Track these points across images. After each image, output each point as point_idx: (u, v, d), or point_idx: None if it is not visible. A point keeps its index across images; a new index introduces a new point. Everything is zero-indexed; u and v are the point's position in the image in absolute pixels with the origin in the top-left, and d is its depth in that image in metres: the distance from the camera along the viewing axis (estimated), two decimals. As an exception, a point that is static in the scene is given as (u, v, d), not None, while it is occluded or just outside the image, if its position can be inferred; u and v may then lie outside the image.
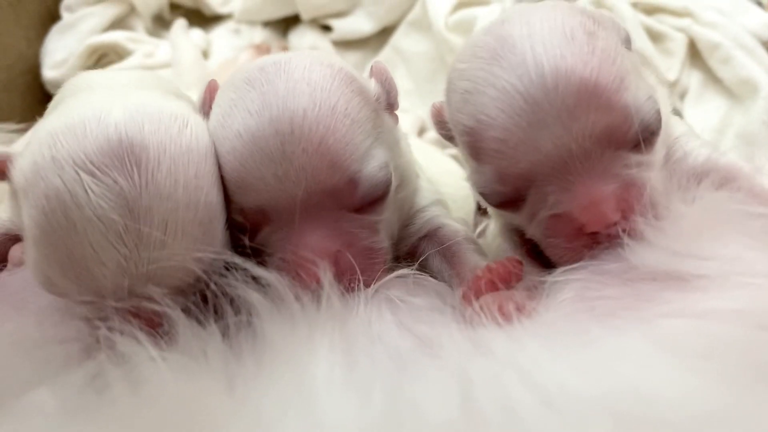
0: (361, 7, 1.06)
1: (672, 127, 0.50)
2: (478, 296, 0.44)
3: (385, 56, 1.04)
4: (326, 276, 0.42)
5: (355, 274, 0.44)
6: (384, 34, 1.06)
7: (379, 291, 0.45)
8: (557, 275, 0.45)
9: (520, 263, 0.47)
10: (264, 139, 0.41)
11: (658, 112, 0.43)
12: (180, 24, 1.09)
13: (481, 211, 0.74)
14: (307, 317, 0.41)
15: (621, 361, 0.34)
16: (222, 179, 0.43)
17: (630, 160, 0.42)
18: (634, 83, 0.41)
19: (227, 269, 0.43)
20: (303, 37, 1.10)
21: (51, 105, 0.52)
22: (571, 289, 0.43)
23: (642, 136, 0.42)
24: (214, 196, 0.42)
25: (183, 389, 0.37)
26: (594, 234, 0.42)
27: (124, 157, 0.38)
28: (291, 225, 0.43)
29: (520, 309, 0.42)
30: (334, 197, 0.43)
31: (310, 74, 0.43)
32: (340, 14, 1.07)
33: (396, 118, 0.51)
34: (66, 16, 1.05)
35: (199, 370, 0.38)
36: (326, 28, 1.10)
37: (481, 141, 0.42)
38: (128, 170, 0.38)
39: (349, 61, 1.05)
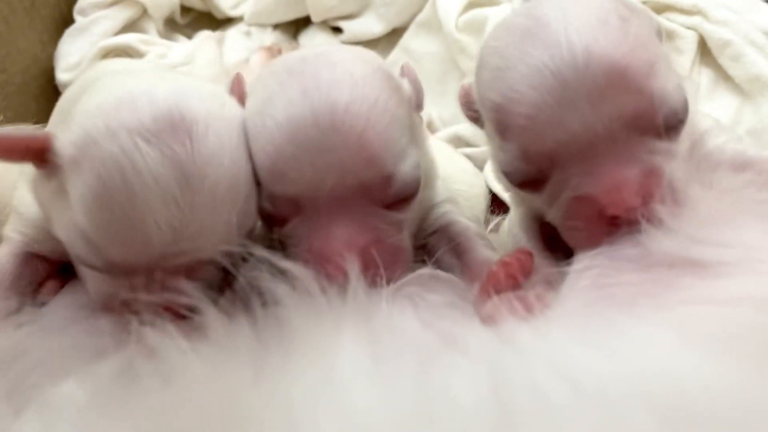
0: (371, 8, 1.07)
1: (698, 120, 0.50)
2: (497, 290, 0.44)
3: (395, 57, 1.04)
4: (353, 270, 0.42)
5: (379, 269, 0.44)
6: (394, 35, 1.06)
7: (400, 288, 0.45)
8: (575, 264, 0.45)
9: (531, 255, 0.47)
10: (303, 129, 0.42)
11: (686, 101, 0.43)
12: (206, 35, 1.10)
13: (492, 209, 0.75)
14: (332, 310, 0.41)
15: (648, 347, 0.34)
16: (256, 167, 0.44)
17: (655, 147, 0.42)
18: (663, 71, 0.42)
19: (254, 261, 0.43)
20: (313, 39, 1.10)
21: (72, 91, 0.52)
22: (589, 276, 0.43)
23: (668, 123, 0.42)
24: (250, 172, 0.44)
25: (214, 381, 0.38)
26: (614, 218, 0.42)
27: (177, 126, 0.40)
28: (321, 217, 0.44)
29: (540, 301, 0.42)
30: (367, 192, 0.44)
31: (353, 68, 0.44)
32: (350, 16, 1.07)
33: (421, 118, 0.52)
34: (79, 19, 1.06)
35: (229, 362, 0.39)
36: (336, 30, 1.10)
37: (509, 117, 0.43)
38: (180, 137, 0.40)
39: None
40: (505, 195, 0.85)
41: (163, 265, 0.41)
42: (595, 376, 0.33)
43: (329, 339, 0.39)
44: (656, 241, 0.42)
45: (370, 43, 1.08)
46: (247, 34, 1.13)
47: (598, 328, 0.38)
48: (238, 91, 0.48)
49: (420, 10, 1.03)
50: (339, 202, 0.43)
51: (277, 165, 0.43)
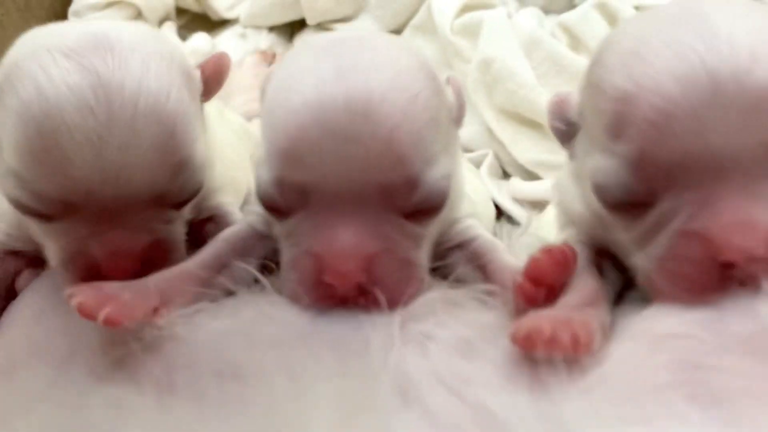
0: (366, 11, 1.08)
1: None
2: (537, 283, 0.39)
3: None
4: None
5: (386, 286, 0.39)
6: (389, 38, 1.08)
7: (408, 326, 0.39)
8: (655, 322, 0.36)
9: (575, 252, 0.41)
10: (333, 112, 0.37)
11: None
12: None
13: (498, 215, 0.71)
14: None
15: None
16: (269, 145, 0.40)
17: None
18: None
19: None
20: (309, 42, 1.11)
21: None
22: (674, 347, 0.34)
23: None
24: (186, 104, 0.42)
25: None
26: (729, 266, 0.34)
27: (100, 44, 0.39)
28: (329, 213, 0.39)
29: (577, 341, 0.35)
30: (388, 195, 0.39)
31: (398, 56, 0.40)
32: (345, 18, 1.08)
33: (458, 135, 0.48)
34: (74, 21, 1.06)
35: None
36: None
37: (635, 109, 0.35)
38: (101, 53, 0.39)
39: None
40: (508, 205, 0.85)
41: (105, 208, 0.40)
42: None
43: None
44: None
45: (366, 46, 1.09)
46: (243, 36, 1.13)
47: (667, 425, 0.30)
48: (211, 70, 0.48)
49: (415, 13, 1.04)
50: (354, 200, 0.39)
51: (295, 146, 0.38)
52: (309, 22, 1.10)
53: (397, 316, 0.39)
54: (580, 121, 0.42)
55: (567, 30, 0.94)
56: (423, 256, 0.43)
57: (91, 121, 0.38)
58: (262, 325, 0.41)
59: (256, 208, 0.47)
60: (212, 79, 0.48)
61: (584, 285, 0.41)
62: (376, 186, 0.38)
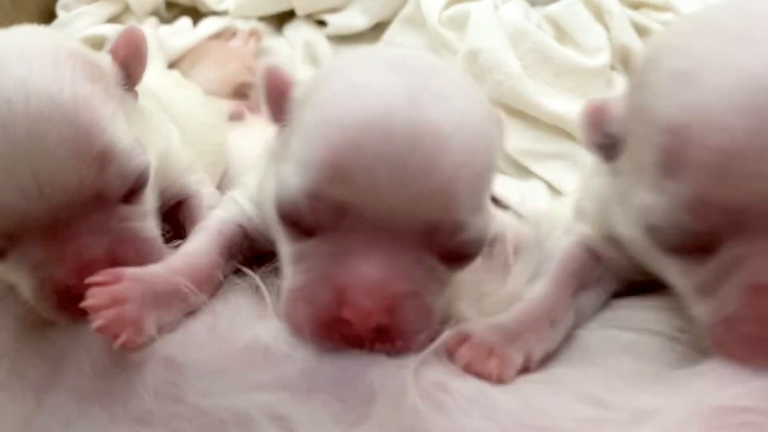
0: (355, 2, 1.08)
1: None
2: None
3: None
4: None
5: (405, 333, 0.36)
6: (378, 29, 1.08)
7: (422, 374, 0.36)
8: (720, 389, 0.32)
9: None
10: (399, 134, 0.33)
11: None
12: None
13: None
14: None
15: None
16: (303, 151, 0.36)
17: None
18: None
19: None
20: (298, 31, 1.12)
21: None
22: (737, 424, 0.31)
23: None
24: (87, 94, 0.39)
25: None
26: None
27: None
28: (359, 241, 0.35)
29: (489, 375, 0.36)
30: (431, 233, 0.35)
31: (467, 88, 0.37)
32: (334, 9, 1.09)
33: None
34: (62, 14, 1.07)
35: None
36: (321, 23, 1.12)
37: (693, 146, 0.30)
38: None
39: (343, 55, 1.09)
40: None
41: (47, 224, 0.38)
42: None
43: None
44: None
45: (355, 37, 1.10)
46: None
47: None
48: (124, 50, 0.45)
49: (404, 5, 1.05)
50: (392, 232, 0.35)
51: (346, 159, 0.34)
52: (298, 12, 1.12)
53: (410, 362, 0.36)
54: (623, 137, 0.36)
55: (553, 22, 0.96)
56: (442, 305, 0.39)
57: (5, 141, 0.36)
58: (256, 357, 0.38)
59: (239, 198, 0.46)
60: (130, 58, 0.45)
61: (544, 299, 0.41)
62: (421, 222, 0.35)
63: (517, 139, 0.89)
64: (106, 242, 0.40)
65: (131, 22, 1.10)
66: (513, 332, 0.39)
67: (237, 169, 0.72)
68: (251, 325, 0.39)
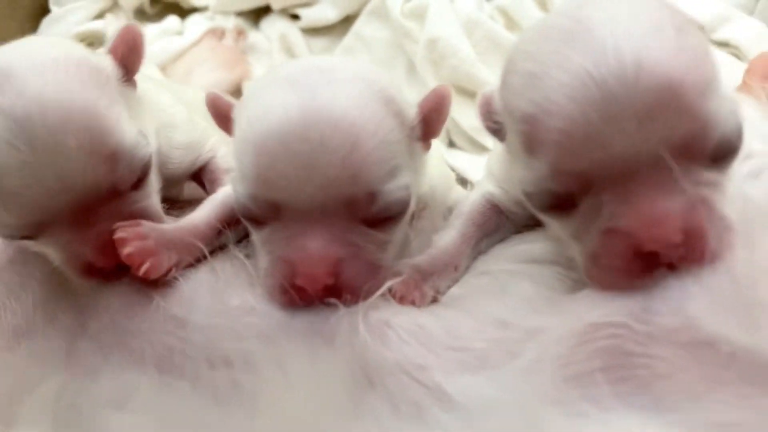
0: (325, -3, 1.17)
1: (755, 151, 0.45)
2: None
3: (348, 43, 1.15)
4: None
5: (352, 287, 0.44)
6: (347, 22, 1.17)
7: (370, 315, 0.44)
8: (585, 309, 0.39)
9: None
10: (295, 143, 0.41)
11: (741, 128, 0.38)
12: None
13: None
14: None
15: None
16: (241, 164, 0.45)
17: (702, 177, 0.37)
18: (718, 92, 0.37)
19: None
20: (273, 25, 1.20)
21: None
22: (604, 336, 0.37)
23: (719, 151, 0.37)
24: (96, 98, 0.43)
25: None
26: (652, 256, 0.37)
27: None
28: (299, 226, 0.44)
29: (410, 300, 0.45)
30: (351, 207, 0.43)
31: (351, 89, 0.43)
32: (307, 4, 1.17)
33: (428, 146, 0.51)
34: (55, 9, 1.15)
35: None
36: (295, 17, 1.20)
37: (541, 131, 0.38)
38: (3, 89, 0.40)
39: (316, 47, 1.18)
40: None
41: (72, 216, 0.44)
42: None
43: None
44: (702, 309, 0.36)
45: (326, 30, 1.19)
46: (211, 19, 1.21)
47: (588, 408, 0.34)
48: (123, 48, 0.49)
49: (370, -1, 1.14)
50: (320, 213, 0.43)
51: (265, 171, 0.43)
52: (273, 7, 1.20)
53: (359, 308, 0.44)
54: (504, 123, 0.44)
55: (504, 13, 1.06)
56: (388, 258, 0.47)
57: (17, 154, 0.40)
58: (247, 315, 0.46)
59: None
60: (129, 54, 0.49)
61: (448, 246, 0.50)
62: (338, 200, 0.43)
63: (471, 118, 0.97)
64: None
65: (119, 18, 1.19)
66: (425, 272, 0.48)
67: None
68: (243, 289, 0.48)
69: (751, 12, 1.02)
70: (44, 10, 1.15)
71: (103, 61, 0.47)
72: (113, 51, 0.49)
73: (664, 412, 0.34)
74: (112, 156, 0.43)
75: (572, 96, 0.36)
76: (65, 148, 0.41)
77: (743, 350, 0.34)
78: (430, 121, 0.48)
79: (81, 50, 0.46)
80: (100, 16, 1.16)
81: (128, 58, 0.49)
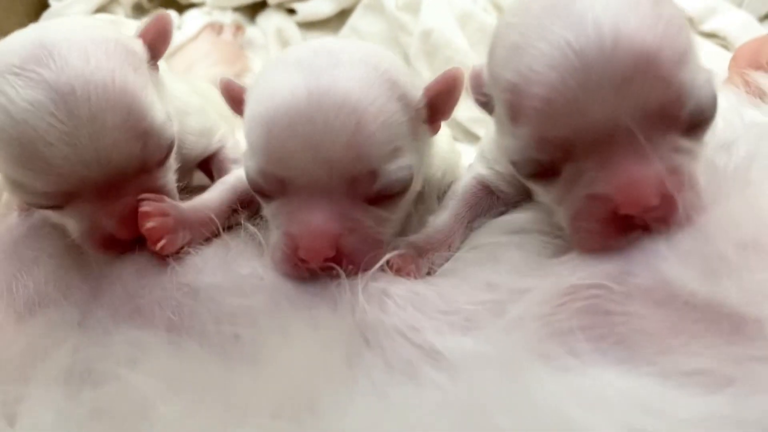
0: (322, -9, 1.19)
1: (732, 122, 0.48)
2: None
3: (344, 36, 1.16)
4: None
5: (352, 260, 0.46)
6: (343, 15, 1.19)
7: (369, 285, 0.46)
8: (569, 272, 0.41)
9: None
10: (300, 124, 0.43)
11: (715, 98, 0.40)
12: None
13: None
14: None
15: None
16: (251, 142, 0.47)
17: (678, 145, 0.39)
18: (693, 62, 0.39)
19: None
20: (270, 20, 1.22)
21: None
22: (584, 297, 0.39)
23: (694, 120, 0.39)
24: (132, 79, 0.46)
25: None
26: (628, 219, 0.40)
27: (39, 55, 0.43)
28: (303, 201, 0.46)
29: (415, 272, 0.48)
30: (353, 185, 0.45)
31: (355, 72, 0.45)
32: (303, -2, 1.20)
33: (437, 129, 0.52)
34: (54, 4, 1.16)
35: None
36: (291, 11, 1.22)
37: (524, 99, 0.39)
38: (44, 61, 0.43)
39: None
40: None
41: (98, 189, 0.46)
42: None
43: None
44: (675, 269, 0.38)
45: (322, 23, 1.20)
46: (209, 14, 1.23)
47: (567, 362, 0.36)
48: (153, 33, 0.51)
49: (365, -8, 1.16)
50: (323, 190, 0.45)
51: (273, 150, 0.44)
52: (269, 1, 1.22)
53: (360, 278, 0.46)
54: (491, 96, 0.45)
55: (497, 5, 1.08)
56: (388, 234, 0.49)
57: (58, 125, 0.42)
58: (255, 282, 0.48)
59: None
60: (157, 40, 0.52)
61: (442, 226, 0.52)
62: (341, 178, 0.45)
63: (465, 109, 0.99)
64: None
65: (118, 12, 1.20)
66: (421, 248, 0.51)
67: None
68: (252, 260, 0.50)
69: (739, 5, 1.04)
70: (44, 4, 1.16)
71: (135, 44, 0.50)
72: (144, 35, 0.51)
73: (640, 365, 0.36)
74: (145, 133, 0.46)
75: (553, 65, 0.38)
76: (104, 123, 0.44)
77: (707, 302, 0.36)
78: (437, 104, 0.49)
79: (115, 32, 0.49)
80: (99, 10, 1.18)
81: (157, 42, 0.52)
